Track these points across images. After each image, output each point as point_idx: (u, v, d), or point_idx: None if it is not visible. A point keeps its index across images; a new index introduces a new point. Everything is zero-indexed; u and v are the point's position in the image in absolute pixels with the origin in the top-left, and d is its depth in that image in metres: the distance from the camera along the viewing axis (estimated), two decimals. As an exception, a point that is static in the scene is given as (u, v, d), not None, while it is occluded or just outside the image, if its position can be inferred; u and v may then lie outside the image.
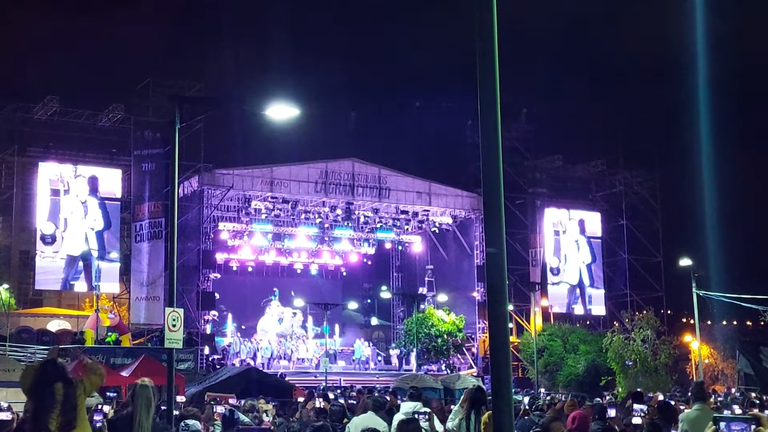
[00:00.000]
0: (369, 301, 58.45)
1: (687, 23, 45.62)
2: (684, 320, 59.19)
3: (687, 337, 49.44)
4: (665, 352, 43.66)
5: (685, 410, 14.20)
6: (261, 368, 38.49)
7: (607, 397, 30.89)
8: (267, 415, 17.42)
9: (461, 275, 50.96)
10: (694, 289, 40.13)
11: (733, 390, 39.41)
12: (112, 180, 42.67)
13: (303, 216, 48.69)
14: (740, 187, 59.64)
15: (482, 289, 47.15)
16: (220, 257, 48.20)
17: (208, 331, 43.94)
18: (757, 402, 27.70)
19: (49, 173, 41.22)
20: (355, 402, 20.74)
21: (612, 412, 14.19)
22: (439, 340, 47.40)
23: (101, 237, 41.60)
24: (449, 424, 12.42)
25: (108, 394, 17.69)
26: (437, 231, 51.94)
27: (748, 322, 57.27)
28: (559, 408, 15.71)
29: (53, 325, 40.22)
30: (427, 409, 12.75)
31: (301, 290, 51.01)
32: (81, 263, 41.18)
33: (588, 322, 52.97)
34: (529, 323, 48.40)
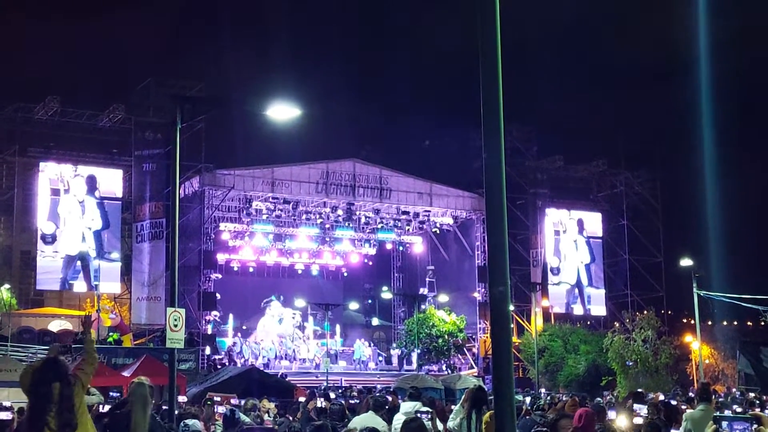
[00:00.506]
0: (370, 301, 58.46)
1: (689, 24, 45.69)
2: (685, 320, 59.18)
3: (688, 338, 49.43)
4: (666, 353, 43.68)
5: (688, 410, 14.24)
6: (262, 369, 38.55)
7: (608, 398, 30.94)
8: (269, 415, 17.43)
9: (462, 276, 50.98)
10: (694, 290, 40.14)
11: (734, 390, 39.43)
12: (113, 180, 42.68)
13: (304, 216, 48.72)
14: (741, 188, 59.65)
15: (483, 290, 47.20)
16: (221, 258, 48.22)
17: (210, 332, 43.98)
18: (757, 402, 27.73)
19: (49, 173, 41.26)
20: (355, 402, 20.79)
21: (612, 414, 14.21)
22: (440, 341, 47.42)
23: (99, 237, 41.56)
24: (450, 424, 12.45)
25: (111, 394, 17.69)
26: (438, 231, 51.96)
27: (749, 323, 57.26)
28: (560, 407, 15.72)
29: (54, 326, 40.21)
30: (428, 409, 12.78)
31: (302, 291, 51.05)
32: (79, 263, 41.18)
33: (589, 323, 52.98)
34: (530, 323, 48.42)
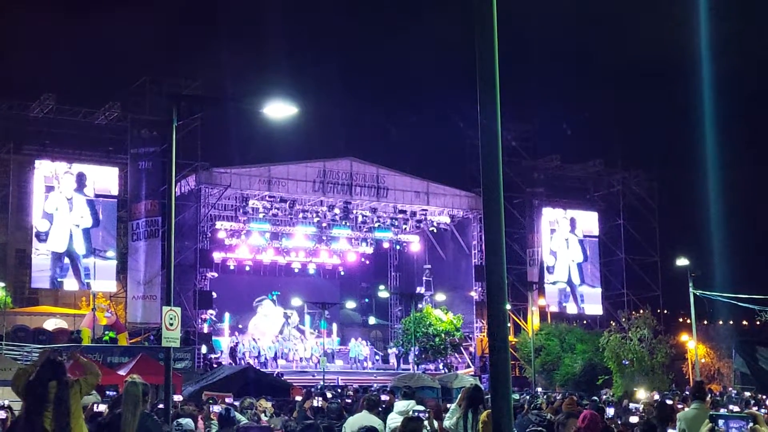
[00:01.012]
0: (367, 300, 58.47)
1: (686, 24, 45.70)
2: (681, 320, 59.29)
3: (684, 337, 49.46)
4: (662, 352, 43.73)
5: (683, 409, 14.22)
6: (260, 368, 38.53)
7: (605, 396, 30.96)
8: (265, 414, 17.40)
9: (459, 275, 50.99)
10: (690, 289, 40.18)
11: (730, 389, 39.49)
12: (108, 178, 42.59)
13: (301, 215, 48.67)
14: (737, 188, 59.70)
15: (480, 289, 47.23)
16: (217, 256, 48.15)
17: (206, 330, 43.94)
18: (753, 401, 27.78)
19: (44, 171, 41.16)
20: (350, 401, 20.77)
21: (611, 412, 14.20)
22: (437, 340, 47.41)
23: (88, 234, 41.42)
24: (446, 423, 12.42)
25: (108, 392, 17.64)
26: (435, 230, 51.95)
27: (745, 322, 57.39)
28: (557, 406, 15.71)
29: (50, 324, 40.12)
30: (422, 408, 12.76)
31: (299, 290, 51.02)
32: (67, 260, 41.04)
33: (585, 322, 53.02)
34: (527, 322, 48.45)
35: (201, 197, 43.23)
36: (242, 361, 41.57)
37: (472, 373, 44.67)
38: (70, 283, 41.49)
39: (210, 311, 44.86)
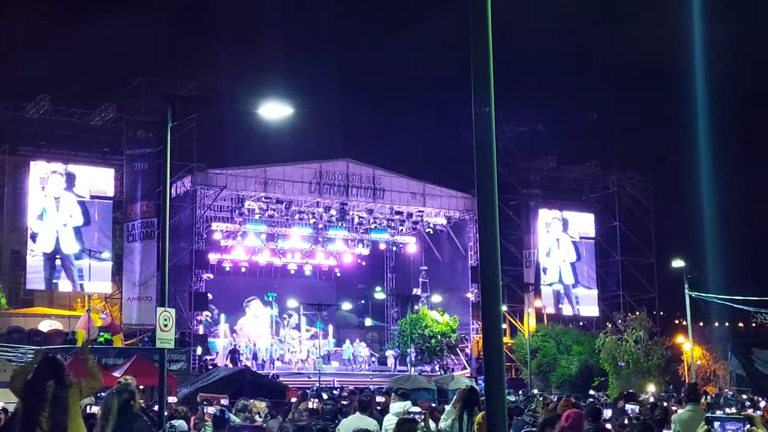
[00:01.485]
0: (363, 301, 58.40)
1: (682, 25, 45.72)
2: (676, 321, 59.33)
3: (679, 339, 49.52)
4: (658, 353, 43.77)
5: (678, 411, 14.21)
6: (256, 369, 38.48)
7: (602, 399, 30.94)
8: (260, 416, 17.36)
9: (455, 276, 50.97)
10: (686, 291, 40.23)
11: (726, 391, 39.52)
12: (104, 179, 42.48)
13: (297, 216, 48.61)
14: (733, 189, 59.77)
15: (476, 290, 47.19)
16: (213, 257, 48.09)
17: (201, 332, 43.87)
18: (748, 403, 27.78)
19: (40, 172, 41.07)
20: (346, 403, 20.74)
21: (608, 413, 14.17)
22: (433, 341, 47.39)
23: (79, 234, 41.24)
24: (442, 425, 12.40)
25: (102, 395, 17.57)
26: (431, 232, 51.93)
27: (741, 324, 57.39)
28: (552, 408, 15.68)
29: (44, 326, 40.07)
30: (418, 409, 12.74)
31: (295, 291, 50.97)
32: (58, 262, 40.89)
33: (581, 323, 53.05)
34: (523, 324, 48.45)
35: (197, 198, 43.16)
36: (240, 364, 41.50)
37: (468, 374, 44.63)
38: (64, 285, 41.36)
39: (206, 312, 44.80)
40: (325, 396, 24.44)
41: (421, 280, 53.25)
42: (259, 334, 47.29)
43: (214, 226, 47.05)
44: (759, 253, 62.79)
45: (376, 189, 47.20)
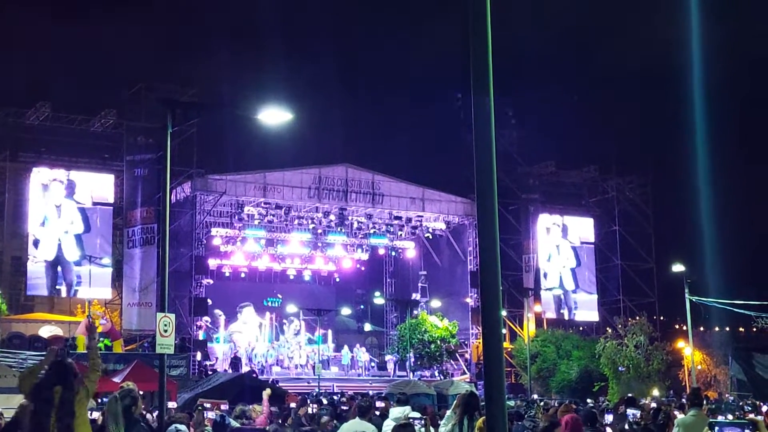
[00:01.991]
0: (362, 307, 58.39)
1: (680, 30, 45.72)
2: (677, 326, 59.30)
3: (680, 343, 49.52)
4: (658, 358, 43.76)
5: (680, 416, 14.20)
6: (255, 374, 38.43)
7: (605, 404, 30.92)
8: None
9: (454, 281, 50.96)
10: (686, 295, 40.22)
11: (726, 396, 39.50)
12: (104, 185, 42.51)
13: (296, 222, 48.60)
14: (732, 193, 59.78)
15: (475, 295, 47.19)
16: (212, 263, 48.10)
17: (201, 337, 43.85)
18: (749, 408, 27.74)
19: (41, 178, 41.10)
20: (346, 408, 20.73)
21: (609, 418, 14.16)
22: (432, 346, 47.34)
23: (80, 241, 41.28)
24: (442, 430, 12.38)
25: (103, 400, 17.59)
26: (431, 237, 51.92)
27: (741, 329, 57.38)
28: (552, 413, 15.67)
29: (45, 331, 39.99)
30: (418, 414, 12.73)
31: (294, 296, 51.00)
32: (59, 268, 40.94)
33: (581, 328, 53.02)
34: (523, 329, 48.43)
35: (196, 204, 43.19)
36: (241, 370, 41.46)
37: (468, 379, 44.65)
38: (64, 291, 41.45)
39: (205, 318, 44.80)
40: (324, 401, 24.44)
41: (420, 285, 53.23)
42: (250, 341, 47.31)
43: (214, 231, 47.07)
44: (759, 257, 62.78)
45: (375, 194, 47.22)
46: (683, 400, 28.04)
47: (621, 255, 54.00)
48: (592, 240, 54.22)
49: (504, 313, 46.21)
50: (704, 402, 23.31)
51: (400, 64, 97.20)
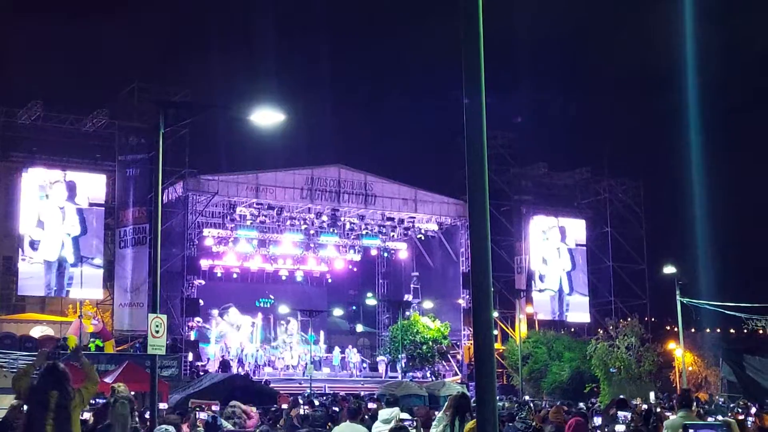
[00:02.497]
0: (354, 307, 58.41)
1: (674, 33, 45.90)
2: (668, 328, 59.33)
3: (671, 345, 49.55)
4: (649, 360, 43.81)
5: (671, 417, 14.23)
6: (246, 375, 38.42)
7: (596, 405, 30.96)
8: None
9: (447, 282, 50.98)
10: (678, 297, 40.27)
11: (717, 397, 39.57)
12: (96, 185, 42.45)
13: (288, 222, 48.56)
14: (724, 196, 59.97)
15: (467, 296, 47.19)
16: (204, 263, 48.05)
17: (192, 338, 43.79)
18: (740, 410, 27.80)
19: (32, 178, 41.03)
20: (337, 409, 20.72)
21: (598, 421, 14.19)
22: (425, 347, 47.37)
23: (77, 243, 41.27)
24: (433, 431, 12.38)
25: (98, 401, 17.52)
26: (423, 238, 51.95)
27: (732, 330, 57.46)
28: (543, 415, 15.70)
29: (36, 332, 39.92)
30: (408, 416, 12.72)
31: (287, 297, 50.97)
32: (56, 269, 40.91)
33: (573, 330, 53.07)
34: (515, 330, 48.45)
35: (188, 204, 43.12)
36: (230, 371, 41.42)
37: (460, 380, 44.65)
38: (59, 292, 41.42)
39: (197, 318, 44.74)
40: (316, 402, 24.40)
41: (412, 286, 53.27)
42: (241, 341, 47.28)
43: (206, 232, 47.02)
44: (750, 259, 63.00)
45: (367, 195, 47.22)
46: (673, 401, 28.11)
47: (613, 256, 54.07)
48: (584, 242, 54.26)
49: (496, 314, 46.24)
50: (694, 403, 23.36)
51: (392, 66, 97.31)
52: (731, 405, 32.70)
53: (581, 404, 27.33)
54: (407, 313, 49.76)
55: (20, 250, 40.75)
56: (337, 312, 55.29)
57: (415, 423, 12.31)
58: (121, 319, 41.71)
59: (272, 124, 15.82)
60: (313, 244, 51.48)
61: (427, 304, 50.79)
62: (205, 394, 27.71)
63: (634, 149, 75.69)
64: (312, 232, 50.07)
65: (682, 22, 44.36)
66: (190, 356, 41.68)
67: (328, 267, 54.14)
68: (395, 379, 42.21)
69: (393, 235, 52.05)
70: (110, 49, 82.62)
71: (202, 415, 15.68)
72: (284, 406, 20.84)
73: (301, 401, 23.45)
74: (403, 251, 54.38)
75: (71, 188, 41.46)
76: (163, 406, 18.89)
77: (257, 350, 46.34)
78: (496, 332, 45.17)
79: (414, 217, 49.54)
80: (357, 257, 53.88)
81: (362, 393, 34.29)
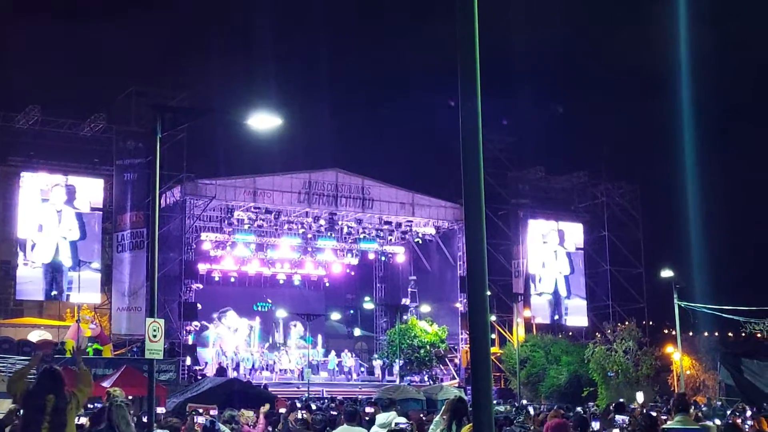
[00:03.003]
0: (352, 311, 58.37)
1: (670, 36, 45.92)
2: (666, 331, 59.31)
3: (669, 348, 49.54)
4: (647, 363, 43.81)
5: (668, 421, 14.23)
6: (244, 379, 38.37)
7: (593, 408, 30.96)
8: (248, 425, 17.32)
9: (444, 286, 50.97)
10: (675, 301, 40.29)
11: (714, 401, 39.54)
12: (94, 190, 42.41)
13: (286, 226, 48.59)
14: (721, 199, 59.97)
15: (465, 300, 47.18)
16: (202, 268, 48.02)
17: (190, 342, 43.77)
18: (738, 413, 27.78)
19: (30, 182, 41.00)
20: (335, 413, 20.72)
21: (596, 425, 14.18)
22: (422, 351, 47.37)
23: (75, 247, 41.22)
24: (430, 435, 12.38)
25: (96, 405, 17.50)
26: (420, 242, 51.96)
27: (730, 333, 57.46)
28: (542, 419, 15.70)
29: (34, 336, 39.86)
30: (404, 420, 12.73)
31: (284, 301, 50.95)
32: (54, 272, 40.84)
33: (570, 333, 53.08)
34: (512, 334, 48.46)
35: (186, 208, 43.12)
36: (226, 375, 41.40)
37: (457, 384, 44.63)
38: (58, 296, 41.38)
39: (195, 323, 44.72)
40: (314, 407, 24.41)
41: (410, 290, 53.27)
42: (237, 345, 47.25)
43: (204, 236, 47.02)
44: (748, 263, 63.03)
45: (365, 199, 47.23)
46: (670, 405, 28.09)
47: (610, 260, 54.10)
48: (581, 245, 54.28)
49: (493, 318, 46.26)
50: (692, 407, 23.36)
51: (390, 70, 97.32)
52: (728, 412, 32.67)
53: (579, 408, 27.35)
54: (405, 316, 49.77)
55: (21, 254, 40.64)
56: (335, 316, 55.29)
57: (410, 427, 12.31)
58: (118, 323, 41.68)
59: (270, 128, 15.85)
60: (311, 248, 51.48)
61: (425, 308, 50.79)
62: (203, 398, 27.69)
63: (631, 153, 75.79)
64: (309, 236, 50.08)
65: (678, 26, 44.41)
66: (188, 360, 41.65)
67: (325, 271, 54.15)
68: (393, 383, 42.19)
69: (390, 239, 52.08)
70: (108, 53, 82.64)
71: (200, 420, 15.68)
72: (282, 410, 20.84)
73: (298, 405, 23.48)
74: (400, 255, 54.41)
75: (71, 192, 41.43)
76: (160, 410, 18.92)
77: (252, 354, 46.32)
78: (493, 336, 45.27)
79: (411, 221, 49.57)
80: (354, 261, 53.90)
81: (360, 397, 34.28)
